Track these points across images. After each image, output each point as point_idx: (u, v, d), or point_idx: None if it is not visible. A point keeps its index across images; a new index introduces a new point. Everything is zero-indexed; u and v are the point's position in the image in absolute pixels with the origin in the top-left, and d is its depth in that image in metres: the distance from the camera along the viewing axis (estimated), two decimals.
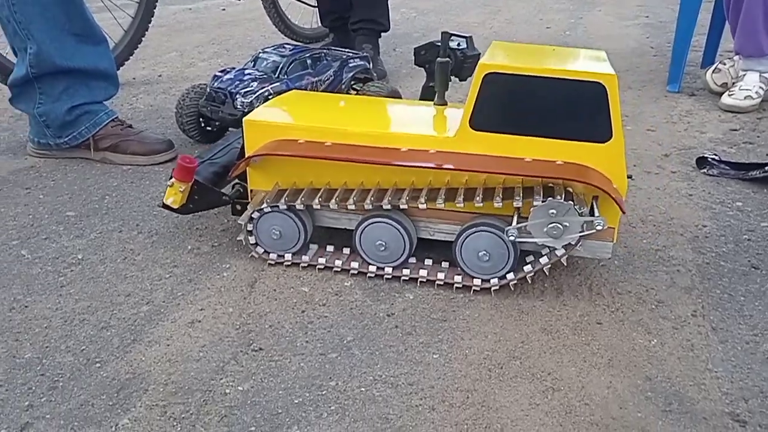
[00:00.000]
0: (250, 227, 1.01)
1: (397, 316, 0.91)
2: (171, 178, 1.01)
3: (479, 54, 1.63)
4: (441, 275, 0.97)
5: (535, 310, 0.93)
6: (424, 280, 0.98)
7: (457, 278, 0.97)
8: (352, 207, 0.95)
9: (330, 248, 1.04)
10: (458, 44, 1.62)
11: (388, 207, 0.95)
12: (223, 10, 3.50)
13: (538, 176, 0.91)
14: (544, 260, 0.93)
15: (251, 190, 1.03)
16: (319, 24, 2.52)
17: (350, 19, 2.23)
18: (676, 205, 1.26)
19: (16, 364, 0.79)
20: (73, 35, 1.36)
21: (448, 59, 1.08)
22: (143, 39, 2.06)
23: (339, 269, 1.00)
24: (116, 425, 0.70)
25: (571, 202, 0.88)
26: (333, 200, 0.96)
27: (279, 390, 0.76)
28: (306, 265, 1.01)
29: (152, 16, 2.05)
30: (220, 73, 1.48)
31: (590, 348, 0.85)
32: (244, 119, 0.99)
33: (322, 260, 1.01)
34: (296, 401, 0.75)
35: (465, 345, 0.85)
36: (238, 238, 1.02)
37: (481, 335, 0.87)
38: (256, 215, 1.00)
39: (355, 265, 1.00)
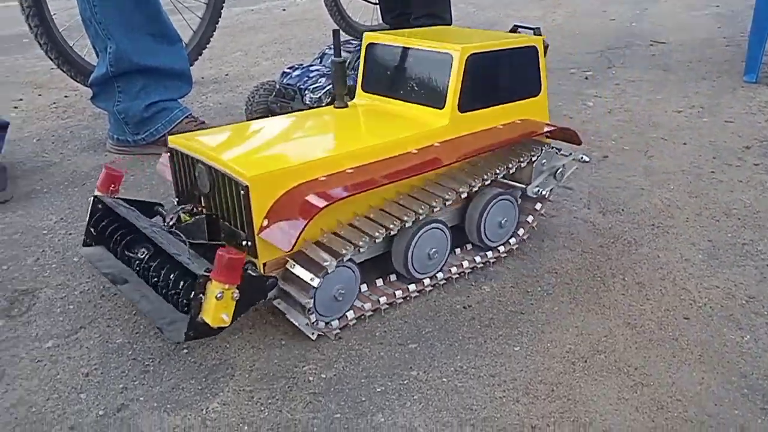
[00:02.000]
0: (311, 302, 0.79)
1: (474, 309, 0.90)
2: (203, 292, 0.72)
3: (547, 46, 1.60)
4: (478, 259, 0.98)
5: (617, 304, 0.90)
6: (470, 270, 0.97)
7: (489, 254, 1.00)
8: (410, 224, 0.86)
9: (363, 287, 0.90)
10: None
11: (439, 209, 0.88)
12: (284, 10, 3.56)
13: (526, 137, 0.99)
14: (538, 206, 1.06)
15: (264, 264, 0.80)
16: (380, 20, 2.53)
17: (412, 14, 2.22)
18: (761, 198, 1.21)
19: (108, 349, 0.82)
20: (150, 35, 1.41)
21: (343, 59, 1.00)
22: (211, 39, 2.11)
23: (401, 299, 0.90)
24: (207, 408, 0.72)
25: (553, 148, 1.03)
26: (392, 223, 0.84)
27: (361, 378, 0.77)
28: (370, 314, 0.87)
29: (219, 17, 2.10)
30: (288, 70, 1.51)
31: (679, 343, 0.82)
32: (249, 181, 0.76)
33: (383, 299, 0.88)
34: (378, 390, 0.75)
35: (546, 338, 0.84)
36: (308, 327, 0.82)
37: (561, 328, 0.85)
38: (317, 282, 0.77)
39: (412, 287, 0.91)
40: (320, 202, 0.76)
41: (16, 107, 1.88)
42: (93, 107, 1.70)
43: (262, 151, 0.88)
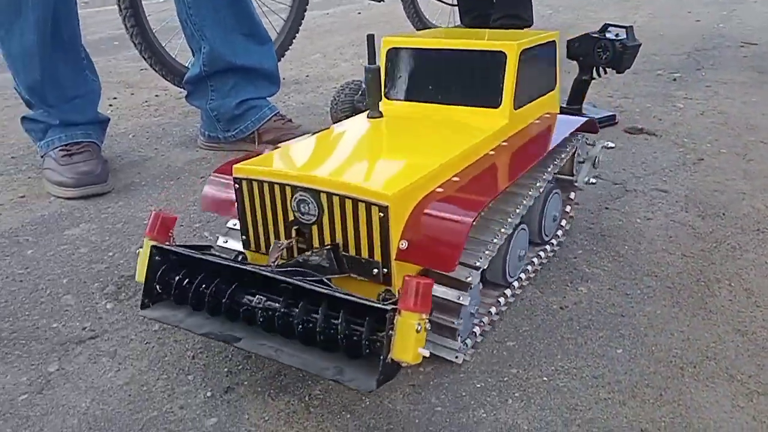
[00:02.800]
0: (461, 323, 0.73)
1: (571, 309, 0.88)
2: (393, 327, 0.62)
3: (639, 45, 1.55)
4: (543, 255, 0.98)
5: (724, 310, 0.87)
6: (540, 267, 0.97)
7: (548, 248, 1.00)
8: (517, 222, 0.83)
9: None
10: (617, 35, 1.55)
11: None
12: (359, 13, 3.60)
13: (570, 132, 0.98)
14: (572, 195, 1.08)
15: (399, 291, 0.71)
16: (457, 22, 2.52)
17: (492, 15, 2.21)
18: None
19: None
20: (242, 35, 1.45)
21: (378, 65, 0.92)
22: (293, 41, 2.16)
23: (504, 307, 0.87)
24: (309, 395, 0.73)
25: (584, 139, 1.06)
26: (501, 228, 0.79)
27: (459, 373, 0.76)
28: (489, 323, 0.83)
29: (302, 20, 2.15)
30: None
31: None
32: (390, 200, 0.67)
33: (493, 310, 0.84)
34: (478, 385, 0.74)
35: (650, 342, 0.81)
36: (457, 358, 0.77)
37: (666, 333, 0.82)
38: (468, 300, 0.72)
39: (508, 292, 0.87)
40: (470, 215, 0.69)
41: (111, 105, 1.98)
42: (183, 105, 1.78)
43: (370, 167, 0.76)
